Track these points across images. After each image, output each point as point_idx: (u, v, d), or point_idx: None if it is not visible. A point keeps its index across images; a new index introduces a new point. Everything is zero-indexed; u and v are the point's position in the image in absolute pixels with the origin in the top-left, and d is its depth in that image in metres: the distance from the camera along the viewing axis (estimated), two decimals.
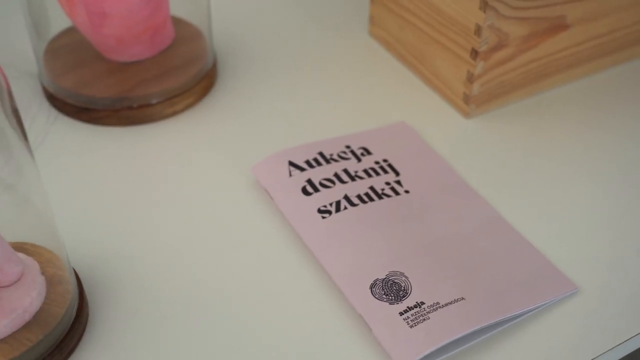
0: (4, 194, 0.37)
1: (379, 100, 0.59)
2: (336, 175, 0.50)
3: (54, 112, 0.57)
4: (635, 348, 0.43)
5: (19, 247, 0.42)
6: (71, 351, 0.40)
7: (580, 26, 0.57)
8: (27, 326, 0.38)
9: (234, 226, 0.49)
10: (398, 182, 0.50)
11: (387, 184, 0.50)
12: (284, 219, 0.49)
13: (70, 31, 0.61)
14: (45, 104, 0.58)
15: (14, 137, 0.34)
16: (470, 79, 0.55)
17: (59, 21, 0.60)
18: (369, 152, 0.53)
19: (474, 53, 0.54)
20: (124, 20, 0.53)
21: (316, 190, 0.49)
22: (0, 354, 0.37)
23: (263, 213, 0.49)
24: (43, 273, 0.41)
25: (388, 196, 0.49)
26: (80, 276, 0.44)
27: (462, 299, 0.42)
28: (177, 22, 0.62)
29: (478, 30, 0.52)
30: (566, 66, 0.59)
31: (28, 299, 0.39)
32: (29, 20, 0.56)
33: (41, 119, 0.57)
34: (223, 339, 0.42)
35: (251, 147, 0.55)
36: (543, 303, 0.43)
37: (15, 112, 0.34)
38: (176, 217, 0.49)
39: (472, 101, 0.56)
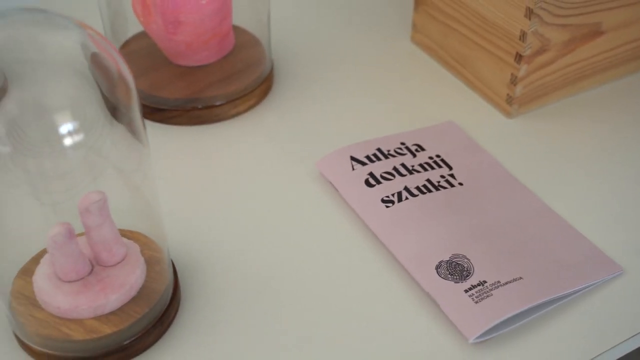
0: (122, 183, 0.41)
1: (425, 102, 0.64)
2: (395, 169, 0.55)
3: None
4: None
5: (119, 232, 0.47)
6: (170, 323, 0.44)
7: (614, 32, 0.62)
8: (133, 300, 0.43)
9: (302, 215, 0.53)
10: (452, 176, 0.55)
11: (442, 177, 0.54)
12: (349, 208, 0.53)
13: (138, 37, 0.65)
14: None
15: (139, 129, 0.39)
16: (514, 81, 0.59)
17: (133, 27, 0.65)
18: (422, 149, 0.57)
19: (518, 57, 0.58)
20: (196, 28, 0.58)
21: (378, 182, 0.53)
22: (113, 324, 0.42)
23: (329, 203, 0.54)
24: (142, 254, 0.45)
25: (444, 188, 0.53)
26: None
27: (520, 278, 0.46)
28: (236, 29, 0.67)
29: (523, 36, 0.57)
30: (601, 69, 0.63)
31: (133, 276, 0.43)
32: (107, 25, 0.60)
33: None
34: (297, 318, 0.46)
35: (310, 144, 0.59)
36: (592, 283, 0.47)
37: (140, 106, 0.38)
38: (248, 207, 0.53)
39: (515, 102, 0.61)
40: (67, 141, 0.35)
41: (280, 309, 0.46)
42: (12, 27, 0.36)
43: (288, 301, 0.47)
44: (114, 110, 0.37)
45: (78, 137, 0.36)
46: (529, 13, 0.56)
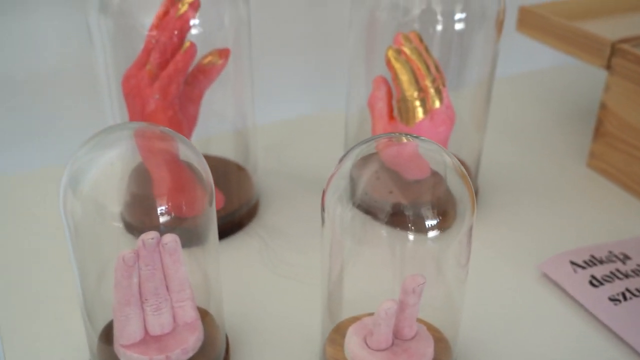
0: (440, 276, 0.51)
1: (612, 217, 0.73)
2: (612, 273, 0.63)
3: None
4: None
5: None
6: None
7: None
8: None
9: (534, 309, 0.61)
10: None
11: None
12: (577, 305, 0.61)
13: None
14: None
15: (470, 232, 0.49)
16: None
17: None
18: (628, 257, 0.65)
19: None
20: None
21: (601, 284, 0.62)
22: None
23: (557, 300, 0.62)
24: None
25: None
26: None
27: None
28: None
29: None
30: None
31: (430, 349, 0.51)
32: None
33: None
34: None
35: (522, 250, 0.68)
36: None
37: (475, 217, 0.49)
38: (484, 300, 0.62)
39: None
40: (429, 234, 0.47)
41: None
42: None
43: None
44: (453, 218, 0.48)
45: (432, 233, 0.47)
46: None
